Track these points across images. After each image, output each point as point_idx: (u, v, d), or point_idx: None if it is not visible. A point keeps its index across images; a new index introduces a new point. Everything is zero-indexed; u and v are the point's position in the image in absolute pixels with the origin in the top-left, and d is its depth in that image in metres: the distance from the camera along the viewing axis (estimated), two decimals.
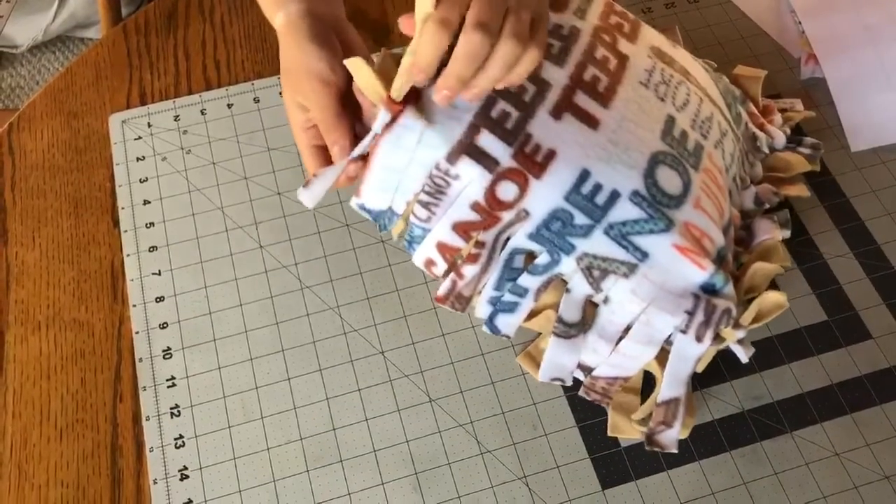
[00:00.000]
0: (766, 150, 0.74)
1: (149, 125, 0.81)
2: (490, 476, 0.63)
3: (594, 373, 0.63)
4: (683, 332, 0.61)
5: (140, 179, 0.78)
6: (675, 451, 0.62)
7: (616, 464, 0.63)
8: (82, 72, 0.85)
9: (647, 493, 0.62)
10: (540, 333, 0.67)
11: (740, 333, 0.62)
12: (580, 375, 0.64)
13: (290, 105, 0.61)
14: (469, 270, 0.62)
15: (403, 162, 0.59)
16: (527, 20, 0.53)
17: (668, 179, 0.60)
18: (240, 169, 0.78)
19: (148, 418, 0.66)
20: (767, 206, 0.70)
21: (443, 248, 0.61)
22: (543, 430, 0.65)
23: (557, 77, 0.60)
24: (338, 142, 0.59)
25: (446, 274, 0.63)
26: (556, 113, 0.59)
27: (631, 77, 0.62)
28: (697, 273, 0.61)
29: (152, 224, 0.75)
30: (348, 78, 0.58)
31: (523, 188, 0.58)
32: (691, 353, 0.62)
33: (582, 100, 0.60)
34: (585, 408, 0.66)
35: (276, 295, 0.71)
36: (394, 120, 0.57)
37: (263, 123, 0.81)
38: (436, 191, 0.59)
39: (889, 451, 0.63)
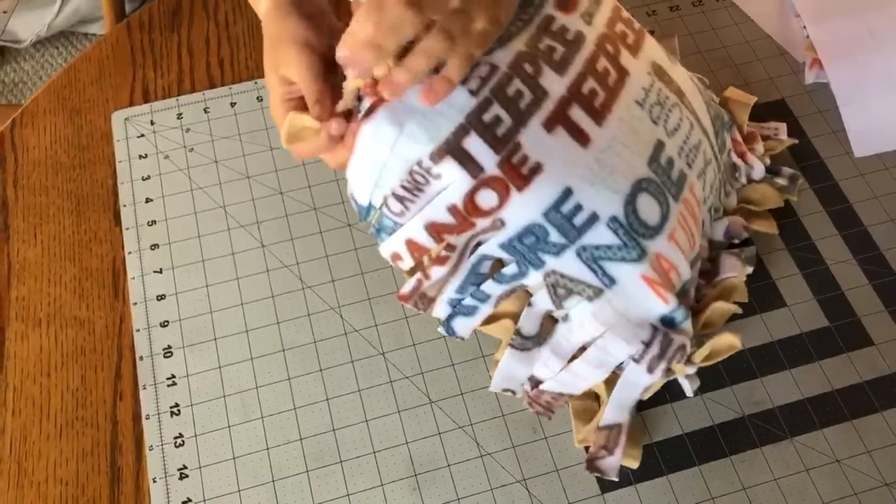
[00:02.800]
0: (744, 181, 0.73)
1: (152, 123, 0.81)
2: (490, 479, 0.63)
3: (541, 386, 0.63)
4: (636, 361, 0.61)
5: (142, 177, 0.77)
6: (615, 478, 0.62)
7: None
8: (85, 68, 0.85)
9: (646, 498, 0.62)
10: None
11: (690, 370, 0.63)
12: (528, 388, 0.64)
13: (271, 79, 0.59)
14: (436, 272, 0.61)
15: (382, 156, 0.57)
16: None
17: (648, 208, 0.60)
18: (242, 167, 0.78)
19: (148, 417, 0.66)
20: (736, 240, 0.70)
21: (412, 245, 0.60)
22: (543, 434, 0.65)
23: (556, 87, 0.58)
24: (319, 101, 0.56)
25: (412, 272, 0.61)
26: (549, 125, 0.57)
27: (628, 94, 0.61)
28: (660, 305, 0.61)
29: (154, 222, 0.75)
30: (331, 48, 0.57)
31: (503, 198, 0.57)
32: (640, 382, 0.62)
33: (576, 114, 0.58)
34: None
35: (277, 294, 0.71)
36: (373, 109, 0.55)
37: (266, 122, 0.80)
38: (414, 187, 0.57)
39: (889, 459, 0.63)
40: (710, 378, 0.65)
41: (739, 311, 0.67)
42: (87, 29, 1.73)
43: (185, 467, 0.64)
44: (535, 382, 0.63)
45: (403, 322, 0.70)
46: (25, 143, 0.80)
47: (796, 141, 0.77)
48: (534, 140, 0.57)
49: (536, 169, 0.57)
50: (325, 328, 0.69)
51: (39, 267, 0.73)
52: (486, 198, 0.57)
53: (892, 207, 0.75)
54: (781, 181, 0.74)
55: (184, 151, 0.79)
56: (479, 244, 0.60)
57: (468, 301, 0.63)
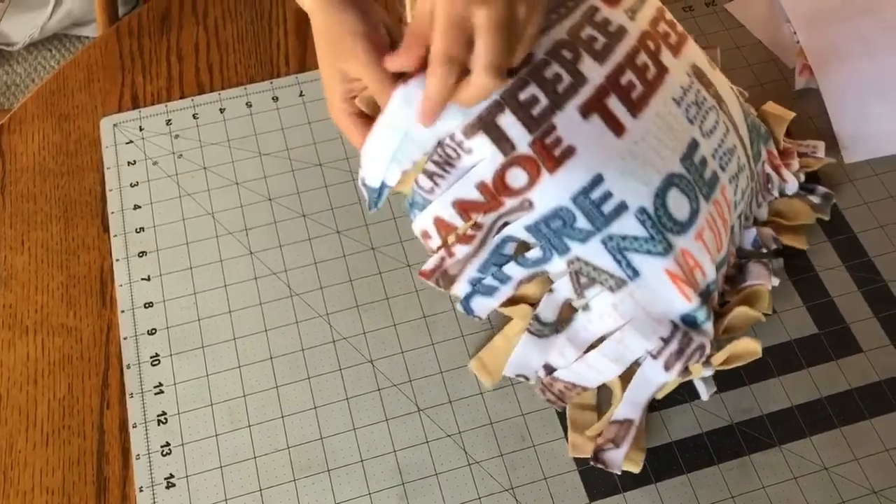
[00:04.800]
0: (776, 194, 0.72)
1: (140, 129, 0.80)
2: (478, 487, 0.63)
3: (556, 374, 0.63)
4: (654, 357, 0.61)
5: (131, 184, 0.77)
6: (618, 472, 0.62)
7: (604, 476, 0.63)
8: (74, 74, 0.84)
9: None
10: (490, 340, 0.67)
11: (707, 371, 0.63)
12: (542, 374, 0.64)
13: (331, 76, 0.59)
14: (461, 250, 0.61)
15: (408, 122, 0.56)
16: (494, 44, 0.52)
17: (678, 204, 0.60)
18: (231, 174, 0.78)
19: (135, 425, 0.65)
20: (764, 250, 0.70)
21: (440, 223, 0.61)
22: (531, 442, 0.64)
23: (594, 74, 0.59)
24: (383, 85, 0.56)
25: (438, 250, 0.62)
26: (585, 111, 0.58)
27: (665, 91, 0.61)
28: (682, 303, 0.60)
29: (142, 229, 0.75)
30: (386, 38, 0.57)
31: (534, 179, 0.58)
32: (656, 379, 0.62)
33: (613, 104, 0.59)
34: None
35: (265, 302, 0.71)
36: (407, 78, 0.55)
37: (255, 128, 0.80)
38: (444, 161, 0.58)
39: (878, 466, 0.63)
40: None
41: (762, 318, 0.66)
42: (80, 31, 1.73)
43: (172, 476, 0.63)
44: (550, 370, 0.63)
45: (392, 329, 0.69)
46: (13, 149, 0.80)
47: (833, 160, 0.75)
48: (569, 123, 0.58)
49: (569, 152, 0.58)
50: (314, 336, 0.69)
51: (27, 274, 0.73)
52: (516, 176, 0.58)
53: (882, 214, 0.74)
54: (814, 199, 0.73)
55: (172, 158, 0.79)
56: (505, 224, 0.61)
57: (488, 281, 0.63)
